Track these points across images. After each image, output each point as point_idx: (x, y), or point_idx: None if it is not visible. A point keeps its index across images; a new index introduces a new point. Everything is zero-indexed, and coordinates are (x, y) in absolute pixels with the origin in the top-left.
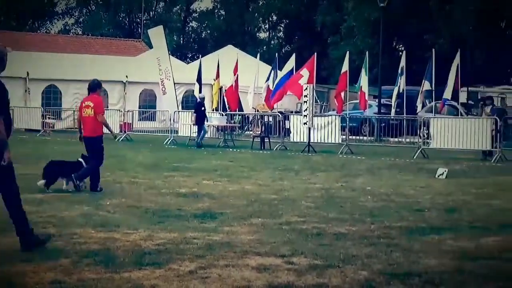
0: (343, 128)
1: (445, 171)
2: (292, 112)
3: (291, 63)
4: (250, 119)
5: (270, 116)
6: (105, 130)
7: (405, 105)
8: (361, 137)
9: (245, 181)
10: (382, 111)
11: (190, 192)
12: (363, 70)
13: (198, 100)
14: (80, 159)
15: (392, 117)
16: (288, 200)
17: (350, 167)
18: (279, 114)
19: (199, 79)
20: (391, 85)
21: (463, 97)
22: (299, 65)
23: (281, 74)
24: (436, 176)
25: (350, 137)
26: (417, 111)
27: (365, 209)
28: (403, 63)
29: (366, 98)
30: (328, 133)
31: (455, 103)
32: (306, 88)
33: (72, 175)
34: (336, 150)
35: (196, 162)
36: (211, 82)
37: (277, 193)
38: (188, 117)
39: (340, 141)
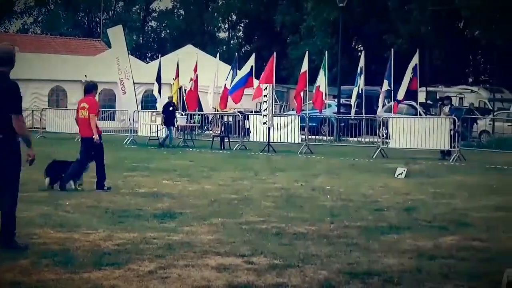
0: (302, 128)
1: (404, 170)
2: (251, 111)
3: (250, 63)
4: (209, 119)
5: (230, 116)
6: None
7: (365, 105)
8: (320, 137)
9: (205, 181)
10: (341, 111)
11: (149, 192)
12: (321, 70)
13: (167, 100)
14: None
15: (351, 117)
16: (248, 200)
17: (309, 167)
18: (239, 114)
19: (158, 79)
20: (351, 85)
21: (421, 97)
22: (258, 65)
23: (240, 73)
24: (395, 175)
25: (310, 137)
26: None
27: (325, 208)
28: (362, 63)
29: (325, 98)
30: (288, 133)
31: (413, 103)
32: (266, 88)
33: (63, 175)
34: (296, 150)
35: (156, 162)
36: (170, 81)
37: (237, 192)
38: (147, 116)
39: (299, 141)
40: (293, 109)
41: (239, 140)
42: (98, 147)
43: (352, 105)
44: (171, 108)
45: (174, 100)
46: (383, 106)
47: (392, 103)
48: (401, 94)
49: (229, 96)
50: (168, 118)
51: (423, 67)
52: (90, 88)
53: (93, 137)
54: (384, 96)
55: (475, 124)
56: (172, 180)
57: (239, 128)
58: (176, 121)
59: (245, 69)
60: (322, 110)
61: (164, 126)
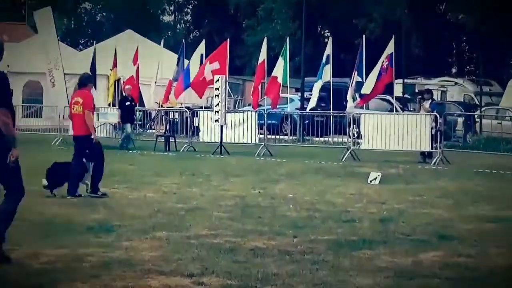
0: (260, 126)
1: (378, 175)
2: (201, 107)
3: (201, 48)
4: (152, 116)
5: (176, 112)
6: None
7: (332, 99)
8: (281, 137)
9: (147, 188)
10: (305, 106)
11: (82, 201)
12: (280, 58)
13: (124, 94)
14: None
15: (317, 114)
16: (197, 210)
17: (269, 171)
18: (187, 110)
19: (93, 69)
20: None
21: (398, 90)
22: (209, 53)
23: (191, 64)
24: (368, 181)
25: (269, 136)
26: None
27: (287, 220)
28: (329, 50)
29: (286, 92)
30: (243, 132)
31: (389, 97)
32: (218, 80)
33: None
34: (253, 152)
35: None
36: (107, 72)
37: (184, 201)
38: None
39: (257, 141)
40: (249, 104)
41: (186, 141)
42: (97, 146)
43: (314, 99)
44: (127, 103)
45: (110, 94)
46: (353, 101)
47: (358, 99)
48: (367, 87)
49: (184, 90)
50: (125, 114)
51: (399, 56)
52: (85, 80)
53: (89, 134)
54: (354, 90)
55: (475, 121)
56: (109, 187)
57: (187, 126)
58: (135, 118)
59: (194, 58)
60: (280, 106)
61: (121, 125)
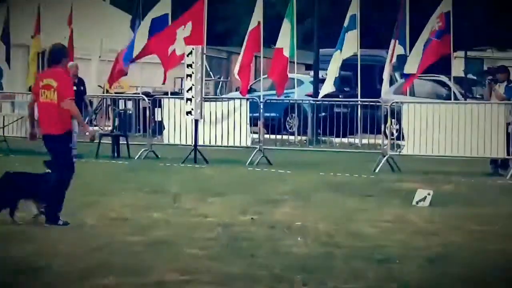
0: (254, 121)
1: (428, 194)
2: (166, 93)
3: (164, 7)
4: (94, 106)
5: (129, 100)
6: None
7: (361, 81)
8: (285, 137)
9: (87, 213)
10: (320, 91)
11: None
12: (285, 21)
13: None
14: (48, 170)
15: (337, 102)
16: (161, 245)
17: (266, 188)
18: (145, 98)
19: (5, 37)
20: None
21: (458, 67)
22: (179, 13)
23: (144, 25)
24: (414, 202)
25: (267, 136)
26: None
27: (293, 259)
28: (355, 9)
29: (292, 70)
30: (229, 130)
31: (444, 78)
32: (190, 53)
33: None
34: (243, 159)
35: None
36: (26, 41)
37: (142, 232)
38: None
39: (249, 144)
40: (237, 89)
41: (145, 143)
42: (67, 151)
43: (330, 81)
44: (75, 88)
45: (31, 72)
46: (391, 84)
47: (402, 79)
48: (413, 63)
49: (125, 67)
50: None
51: (459, 19)
52: (58, 54)
53: (66, 133)
54: (393, 67)
55: None
56: (30, 212)
57: (145, 121)
58: (89, 112)
59: (153, 14)
60: (285, 91)
61: None
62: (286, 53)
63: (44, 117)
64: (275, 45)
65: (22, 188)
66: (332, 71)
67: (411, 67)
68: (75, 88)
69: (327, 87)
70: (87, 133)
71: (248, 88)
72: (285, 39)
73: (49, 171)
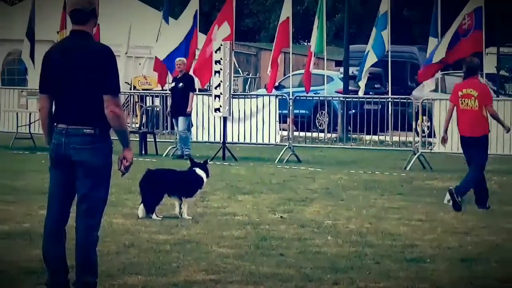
0: (283, 119)
1: None
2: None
3: (192, 7)
4: (121, 103)
5: (157, 97)
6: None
7: (392, 78)
8: (314, 134)
9: (114, 212)
10: (351, 88)
11: (17, 232)
12: (316, 18)
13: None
14: (197, 168)
15: (368, 99)
16: (189, 244)
17: (296, 186)
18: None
19: (30, 33)
20: (366, 43)
21: (490, 64)
22: (205, 9)
23: (176, 27)
24: (445, 201)
25: (296, 133)
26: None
27: (323, 258)
28: (386, 5)
29: (315, 67)
30: (258, 128)
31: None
32: (219, 49)
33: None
34: (272, 157)
35: (26, 178)
36: (51, 37)
37: (169, 231)
38: (12, 99)
39: (278, 141)
40: (265, 86)
41: (172, 140)
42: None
43: (361, 78)
44: (180, 85)
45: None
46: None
47: (439, 74)
48: (440, 53)
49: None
50: (176, 103)
51: (491, 15)
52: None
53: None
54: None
55: None
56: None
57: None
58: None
59: (186, 17)
60: (313, 88)
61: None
62: (312, 49)
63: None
64: (305, 41)
65: (166, 184)
66: (365, 68)
67: (437, 56)
68: (180, 85)
69: (361, 83)
70: None
71: (277, 84)
72: (312, 35)
73: (195, 168)
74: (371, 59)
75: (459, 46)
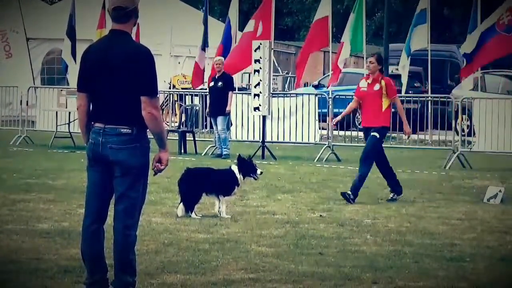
0: (322, 118)
1: (500, 191)
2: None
3: (233, 7)
4: (160, 102)
5: (196, 96)
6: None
7: (431, 76)
8: (354, 133)
9: (152, 210)
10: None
11: (56, 229)
12: (352, 15)
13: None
14: (234, 166)
15: (407, 98)
16: (228, 243)
17: (335, 185)
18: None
19: (71, 32)
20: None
21: None
22: (244, 8)
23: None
24: (485, 200)
25: (336, 132)
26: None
27: (362, 257)
28: (425, 4)
29: (353, 65)
30: (297, 126)
31: None
32: (258, 48)
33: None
34: (312, 156)
35: (66, 177)
36: (91, 36)
37: (208, 230)
38: (52, 97)
39: (317, 140)
40: (305, 85)
41: (211, 139)
42: None
43: (403, 75)
44: (219, 84)
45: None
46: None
47: (479, 72)
48: (470, 44)
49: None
50: (215, 102)
51: None
52: None
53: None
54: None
55: None
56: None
57: None
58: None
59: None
60: (352, 87)
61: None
62: (346, 47)
63: None
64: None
65: (205, 183)
66: (403, 66)
67: (465, 47)
68: (220, 84)
69: (403, 81)
70: None
71: (316, 83)
72: (346, 33)
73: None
74: (403, 59)
75: (496, 42)
